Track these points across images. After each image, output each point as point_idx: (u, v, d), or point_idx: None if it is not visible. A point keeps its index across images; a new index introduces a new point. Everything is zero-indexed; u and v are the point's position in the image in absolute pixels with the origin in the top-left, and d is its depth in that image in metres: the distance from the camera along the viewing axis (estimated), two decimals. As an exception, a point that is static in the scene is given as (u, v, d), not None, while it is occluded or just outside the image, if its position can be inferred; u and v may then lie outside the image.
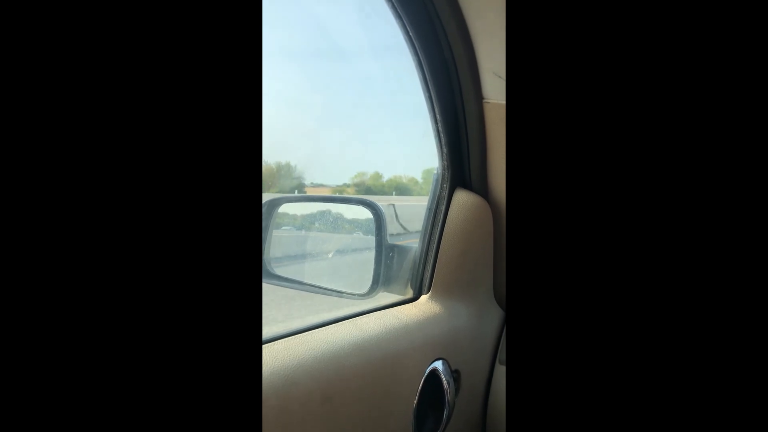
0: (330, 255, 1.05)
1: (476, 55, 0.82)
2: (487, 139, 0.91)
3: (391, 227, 0.95)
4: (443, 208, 0.90)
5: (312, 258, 1.11)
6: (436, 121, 0.87)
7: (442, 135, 0.88)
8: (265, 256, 0.99)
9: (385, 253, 0.92)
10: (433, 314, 0.85)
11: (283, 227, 1.09)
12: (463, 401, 0.89)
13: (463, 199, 0.90)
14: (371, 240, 0.92)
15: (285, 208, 1.07)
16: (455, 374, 0.87)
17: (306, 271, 1.08)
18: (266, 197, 0.98)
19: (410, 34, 0.78)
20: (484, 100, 0.87)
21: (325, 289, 0.94)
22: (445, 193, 0.91)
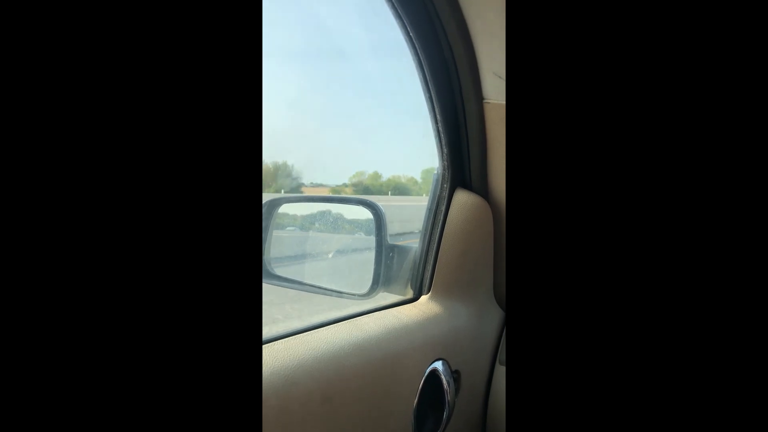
0: (330, 255, 1.05)
1: (476, 56, 0.82)
2: (488, 140, 0.91)
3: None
4: (443, 208, 0.90)
5: (314, 258, 1.11)
6: (436, 121, 0.87)
7: (442, 135, 0.88)
8: (265, 257, 0.99)
9: (385, 253, 0.92)
10: (433, 314, 0.85)
11: (288, 227, 1.09)
12: (463, 401, 0.89)
13: (463, 199, 0.90)
14: (372, 240, 0.92)
15: (285, 209, 1.07)
16: (455, 374, 0.87)
17: (308, 272, 1.08)
18: (266, 197, 0.98)
19: (410, 34, 0.78)
20: (485, 101, 0.87)
21: (325, 289, 0.94)
22: (446, 193, 0.91)
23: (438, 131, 0.88)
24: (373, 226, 0.93)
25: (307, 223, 1.11)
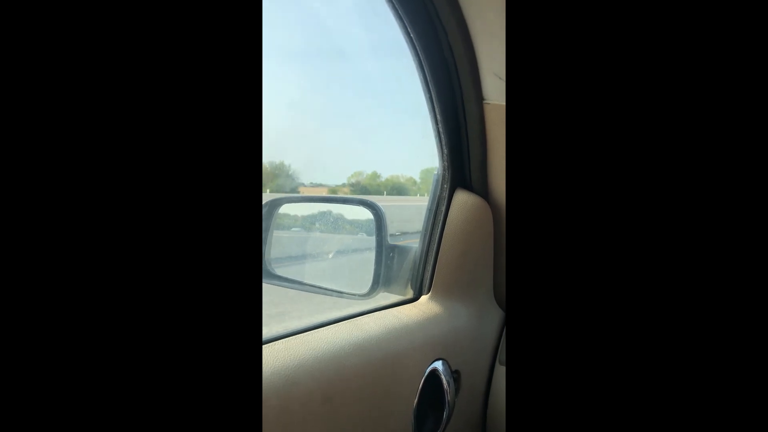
0: (330, 255, 1.06)
1: (477, 56, 0.82)
2: (488, 140, 0.91)
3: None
4: (443, 208, 0.91)
5: (316, 258, 1.11)
6: (436, 122, 0.87)
7: (442, 136, 0.88)
8: (266, 257, 0.99)
9: (386, 253, 0.92)
10: (434, 314, 0.85)
11: (294, 228, 1.09)
12: (463, 401, 0.89)
13: (463, 199, 0.90)
14: (373, 240, 0.92)
15: (286, 209, 1.07)
16: (455, 374, 0.87)
17: (310, 272, 1.08)
18: (266, 198, 0.98)
19: (411, 34, 0.78)
20: (485, 101, 0.87)
21: (326, 289, 0.94)
22: (446, 194, 0.91)
23: (438, 132, 0.88)
24: (373, 226, 0.93)
25: (307, 223, 1.11)
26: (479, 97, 0.87)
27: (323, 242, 1.07)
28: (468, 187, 0.94)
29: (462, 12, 0.76)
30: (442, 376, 0.82)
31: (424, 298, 0.90)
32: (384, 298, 0.90)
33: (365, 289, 0.91)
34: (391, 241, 0.93)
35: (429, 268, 0.90)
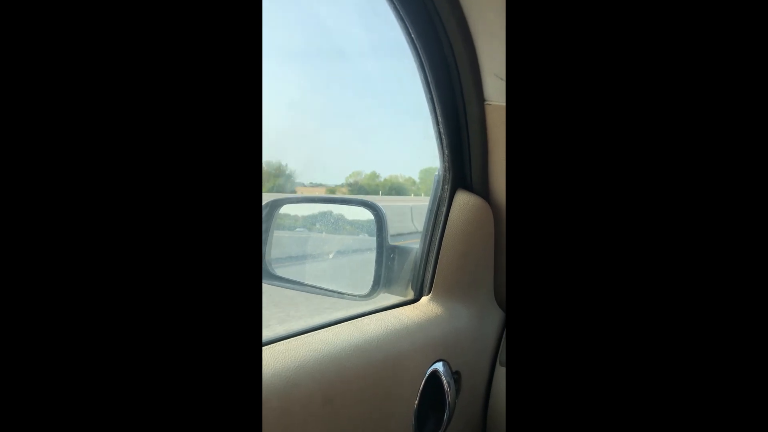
0: (331, 256, 1.05)
1: (478, 57, 0.82)
2: (489, 141, 0.91)
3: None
4: (444, 209, 0.90)
5: (318, 258, 1.11)
6: (437, 123, 0.87)
7: (443, 136, 0.88)
8: (266, 257, 0.99)
9: (386, 254, 0.92)
10: (434, 315, 0.85)
11: (298, 228, 1.09)
12: (463, 403, 0.89)
13: (464, 200, 0.90)
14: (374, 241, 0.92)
15: (286, 209, 1.07)
16: (456, 376, 0.87)
17: (311, 272, 1.08)
18: (266, 198, 0.98)
19: (412, 35, 0.78)
20: (486, 102, 0.87)
21: (326, 290, 0.94)
22: (447, 195, 0.91)
23: (439, 132, 0.88)
24: (373, 226, 0.93)
25: (308, 223, 1.11)
26: (480, 98, 0.86)
27: (323, 242, 1.06)
28: (469, 187, 0.94)
29: (462, 12, 0.76)
30: (443, 378, 0.82)
31: (424, 299, 0.90)
32: (384, 299, 0.90)
33: (366, 290, 0.91)
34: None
35: (430, 268, 0.90)
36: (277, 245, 1.00)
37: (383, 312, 0.83)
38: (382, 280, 0.91)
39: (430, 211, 0.92)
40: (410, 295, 0.91)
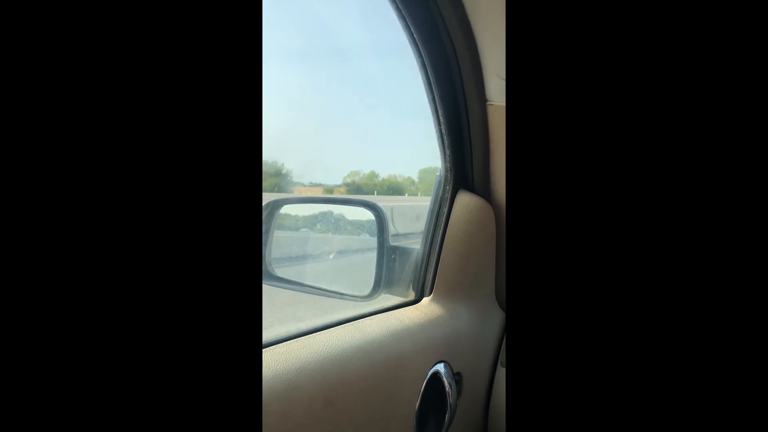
0: (331, 256, 1.05)
1: (480, 57, 0.82)
2: (491, 141, 0.90)
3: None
4: (446, 210, 0.90)
5: (318, 259, 1.11)
6: (439, 123, 0.87)
7: (445, 137, 0.88)
8: (266, 258, 0.98)
9: (387, 254, 0.91)
10: (435, 317, 0.85)
11: (302, 229, 1.09)
12: (464, 404, 0.89)
13: (465, 201, 0.90)
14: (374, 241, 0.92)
15: (287, 210, 1.06)
16: (457, 377, 0.86)
17: (312, 273, 1.08)
18: (268, 198, 0.97)
19: (414, 35, 0.78)
20: (488, 102, 0.87)
21: (327, 291, 0.94)
22: (448, 195, 0.90)
23: (441, 133, 0.87)
24: (374, 227, 0.92)
25: (309, 224, 1.11)
26: (482, 98, 0.86)
27: (324, 242, 1.06)
28: (470, 188, 0.94)
29: (465, 12, 0.76)
30: (444, 379, 0.82)
31: (425, 300, 0.90)
32: (385, 299, 0.90)
33: (367, 291, 0.91)
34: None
35: (431, 269, 0.90)
36: (277, 245, 1.00)
37: (384, 313, 0.82)
38: (383, 281, 0.90)
39: (432, 211, 0.92)
40: (411, 296, 0.91)
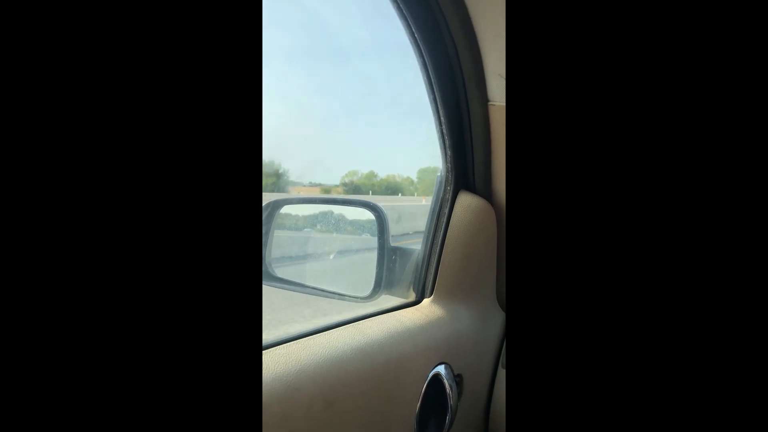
0: (331, 256, 1.05)
1: (482, 57, 0.81)
2: (492, 142, 0.90)
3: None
4: (447, 210, 0.90)
5: (318, 259, 1.10)
6: (440, 123, 0.86)
7: (446, 137, 0.87)
8: (266, 258, 0.98)
9: (388, 255, 0.91)
10: (436, 318, 0.85)
11: (306, 229, 1.08)
12: (465, 406, 0.88)
13: (466, 201, 0.90)
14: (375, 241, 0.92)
15: (287, 210, 1.06)
16: (458, 378, 0.86)
17: (312, 273, 1.07)
18: (268, 198, 0.97)
19: (415, 35, 0.77)
20: (490, 103, 0.86)
21: (327, 291, 0.94)
22: (449, 196, 0.90)
23: (442, 133, 0.87)
24: (374, 227, 0.92)
25: (309, 224, 1.11)
26: (483, 99, 0.86)
27: (324, 243, 1.06)
28: (471, 189, 0.93)
29: (467, 12, 0.76)
30: (445, 380, 0.81)
31: (426, 301, 0.89)
32: (386, 300, 0.89)
33: (367, 292, 0.90)
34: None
35: (432, 270, 0.89)
36: (277, 245, 1.00)
37: (385, 314, 0.82)
38: (383, 282, 0.90)
39: (433, 212, 0.91)
40: (412, 297, 0.91)
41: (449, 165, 0.89)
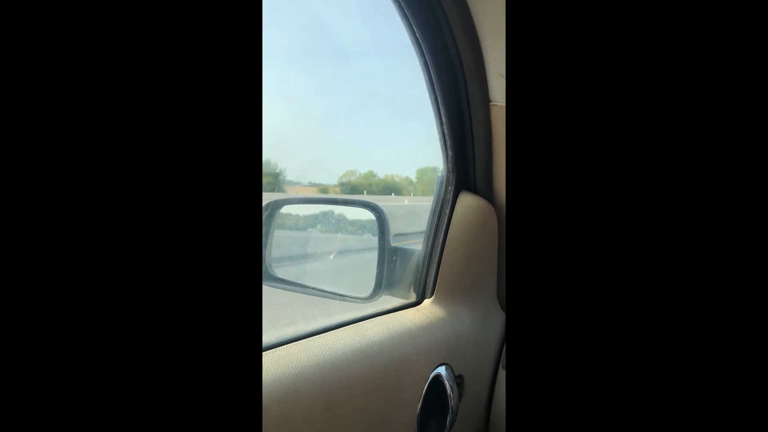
0: (331, 257, 1.05)
1: (483, 57, 0.81)
2: (493, 142, 0.90)
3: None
4: (447, 211, 0.90)
5: (318, 259, 1.10)
6: (441, 123, 0.86)
7: (447, 137, 0.87)
8: (267, 259, 0.98)
9: (388, 256, 0.91)
10: (437, 319, 0.84)
11: (309, 229, 1.08)
12: (466, 407, 0.88)
13: (467, 202, 0.89)
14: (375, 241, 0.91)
15: (287, 210, 1.06)
16: (458, 379, 0.86)
17: (312, 274, 1.07)
18: (269, 198, 0.97)
19: (416, 34, 0.77)
20: (491, 103, 0.86)
21: (327, 292, 0.93)
22: (450, 196, 0.90)
23: (443, 133, 0.87)
24: (374, 227, 0.92)
25: (309, 224, 1.11)
26: (485, 99, 0.85)
27: (324, 243, 1.06)
28: (473, 189, 0.93)
29: (468, 12, 0.75)
30: (446, 381, 0.81)
31: (427, 301, 0.89)
32: (386, 301, 0.89)
33: (367, 293, 0.90)
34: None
35: (432, 271, 0.89)
36: (277, 245, 1.00)
37: (385, 315, 0.82)
38: (384, 283, 0.90)
39: (434, 212, 0.91)
40: (412, 298, 0.90)
41: (450, 165, 0.89)
